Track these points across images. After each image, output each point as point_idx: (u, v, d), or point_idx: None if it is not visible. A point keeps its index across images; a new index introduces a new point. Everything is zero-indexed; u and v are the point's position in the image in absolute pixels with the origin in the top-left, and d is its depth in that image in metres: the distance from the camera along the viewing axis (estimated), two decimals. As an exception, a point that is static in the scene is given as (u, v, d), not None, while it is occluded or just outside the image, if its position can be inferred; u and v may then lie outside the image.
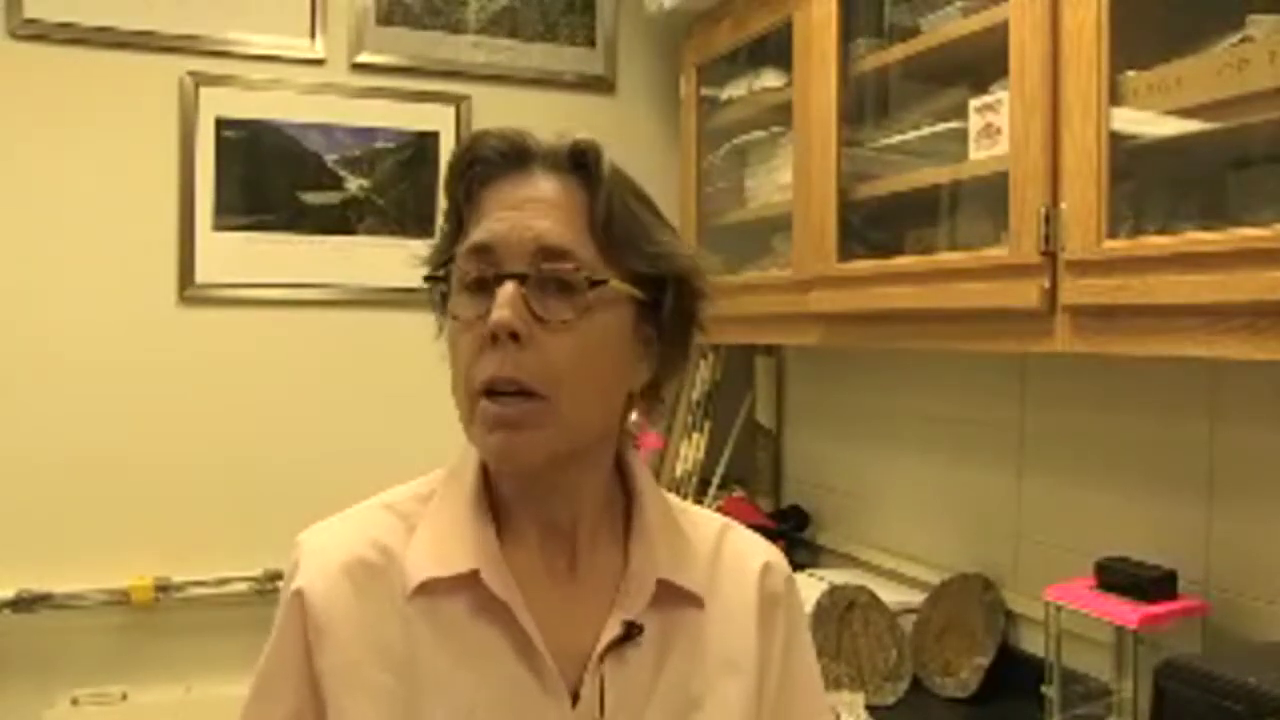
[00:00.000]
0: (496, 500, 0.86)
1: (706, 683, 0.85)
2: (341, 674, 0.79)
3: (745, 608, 0.90)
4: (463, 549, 0.82)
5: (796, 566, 2.10)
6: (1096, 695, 1.60)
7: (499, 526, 0.85)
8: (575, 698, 0.80)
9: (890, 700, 1.82)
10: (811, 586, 1.97)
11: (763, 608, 0.90)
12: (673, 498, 0.95)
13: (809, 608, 1.85)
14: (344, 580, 0.81)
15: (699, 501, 2.38)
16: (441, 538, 0.83)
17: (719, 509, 2.28)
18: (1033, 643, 1.78)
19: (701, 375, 2.60)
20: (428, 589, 0.81)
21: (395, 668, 0.79)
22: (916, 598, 1.98)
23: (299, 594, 0.81)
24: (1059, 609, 1.58)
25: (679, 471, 2.57)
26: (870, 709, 1.77)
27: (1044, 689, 1.61)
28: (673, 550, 0.87)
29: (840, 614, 1.90)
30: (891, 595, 1.98)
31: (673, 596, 0.86)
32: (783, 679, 0.90)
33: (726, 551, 0.92)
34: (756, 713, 0.87)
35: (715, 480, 2.59)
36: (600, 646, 0.81)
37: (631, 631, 0.82)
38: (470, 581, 0.81)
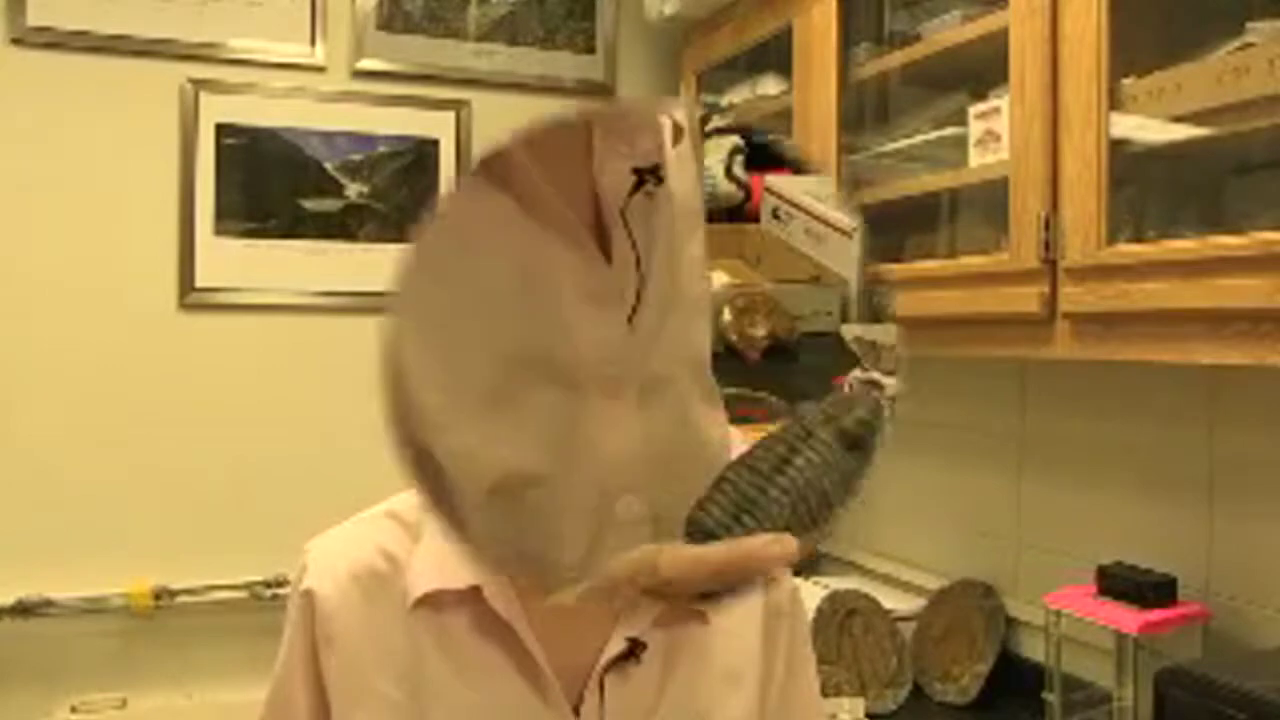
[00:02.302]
0: None
1: (711, 697, 0.85)
2: (347, 683, 0.79)
3: (749, 621, 0.89)
4: (466, 562, 0.81)
5: (796, 573, 2.09)
6: (1097, 701, 1.60)
7: None
8: (578, 713, 0.80)
9: (891, 707, 1.82)
10: (812, 593, 1.97)
11: (767, 621, 0.90)
12: (676, 508, 0.94)
13: (809, 614, 1.85)
14: (353, 588, 0.81)
15: (699, 507, 2.37)
16: (446, 550, 0.82)
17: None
18: (1033, 649, 1.77)
19: (701, 381, 2.59)
20: (431, 601, 0.80)
21: (399, 679, 0.79)
22: (917, 604, 1.98)
23: (308, 594, 0.81)
24: (1059, 615, 1.58)
25: (679, 477, 2.56)
26: (871, 716, 1.77)
27: (1045, 695, 1.61)
28: (676, 563, 0.87)
29: (841, 620, 1.90)
30: (892, 601, 1.98)
31: (677, 611, 0.85)
32: (783, 695, 0.90)
33: None
34: None
35: (715, 486, 2.59)
36: (602, 663, 0.81)
37: (634, 648, 0.82)
38: (473, 596, 0.80)
